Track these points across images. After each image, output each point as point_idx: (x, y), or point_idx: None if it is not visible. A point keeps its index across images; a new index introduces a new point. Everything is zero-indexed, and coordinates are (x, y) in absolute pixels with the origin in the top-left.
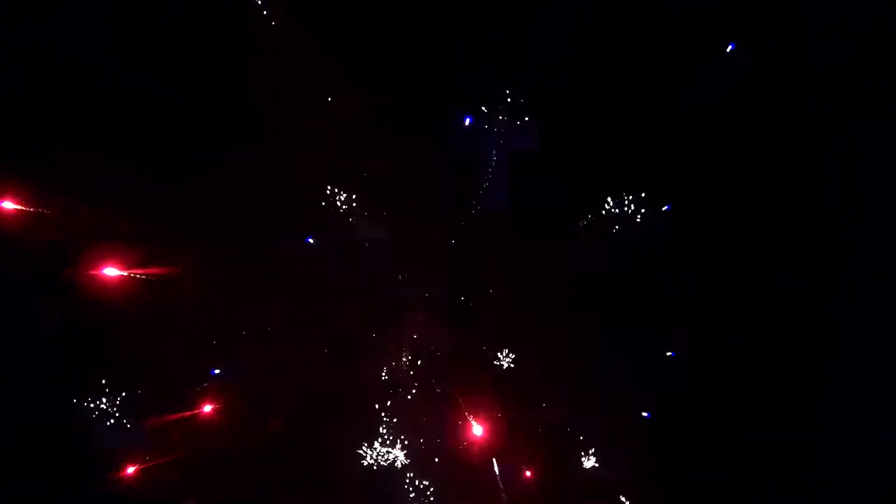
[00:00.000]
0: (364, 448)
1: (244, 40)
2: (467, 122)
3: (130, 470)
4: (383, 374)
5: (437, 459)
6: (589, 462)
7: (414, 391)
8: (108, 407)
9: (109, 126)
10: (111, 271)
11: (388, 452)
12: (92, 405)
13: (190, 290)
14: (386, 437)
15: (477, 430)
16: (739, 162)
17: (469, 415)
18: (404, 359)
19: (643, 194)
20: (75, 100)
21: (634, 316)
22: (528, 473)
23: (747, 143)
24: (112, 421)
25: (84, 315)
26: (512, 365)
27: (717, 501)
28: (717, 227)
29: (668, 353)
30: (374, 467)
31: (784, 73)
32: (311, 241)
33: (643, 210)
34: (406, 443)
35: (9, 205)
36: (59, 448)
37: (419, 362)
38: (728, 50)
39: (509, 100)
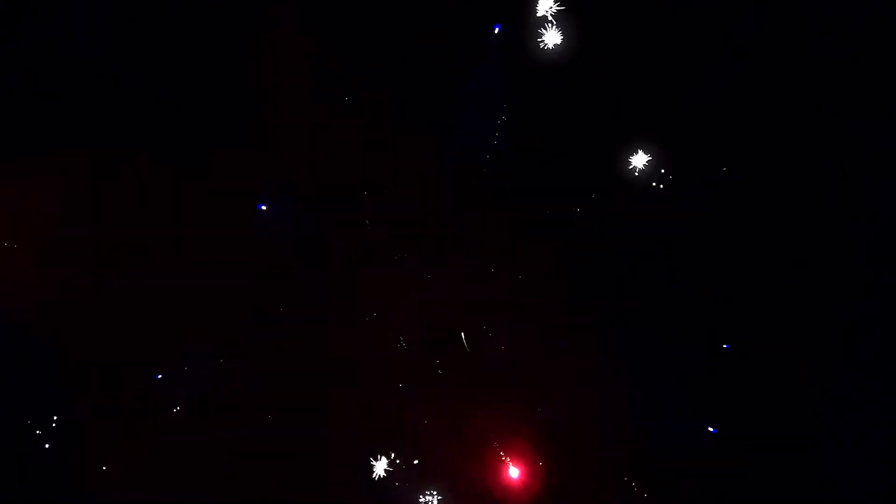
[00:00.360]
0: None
1: (244, 40)
2: (497, 30)
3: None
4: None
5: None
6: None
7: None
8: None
9: (109, 126)
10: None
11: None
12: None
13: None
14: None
15: (514, 472)
16: (738, 162)
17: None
18: (402, 343)
19: (641, 193)
20: (75, 100)
21: (633, 316)
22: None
23: (746, 143)
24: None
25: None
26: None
27: (716, 501)
28: (717, 227)
29: (724, 346)
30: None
31: (784, 73)
32: (262, 207)
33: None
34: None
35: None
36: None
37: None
38: None
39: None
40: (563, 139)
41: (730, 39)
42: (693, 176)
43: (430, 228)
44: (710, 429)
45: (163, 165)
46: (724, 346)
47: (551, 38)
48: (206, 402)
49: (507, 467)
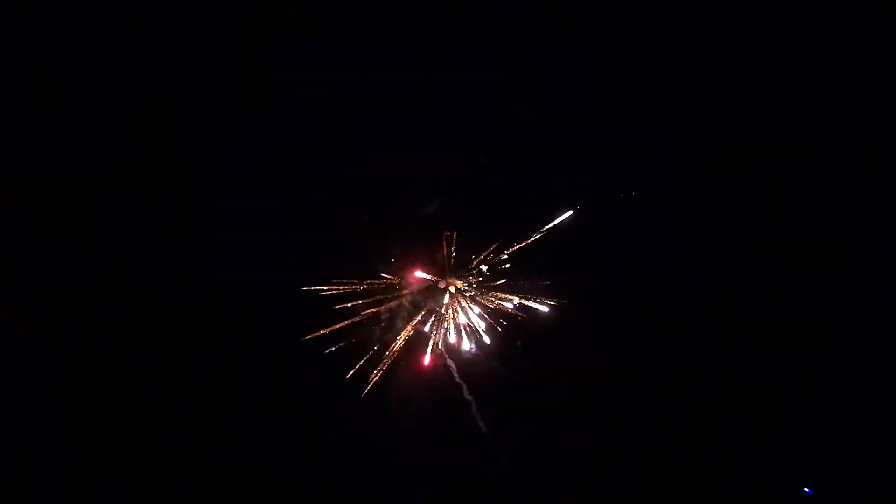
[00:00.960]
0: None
1: (244, 40)
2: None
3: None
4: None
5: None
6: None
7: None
8: None
9: (109, 126)
10: None
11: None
12: None
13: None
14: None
15: None
16: (740, 161)
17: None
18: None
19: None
20: (75, 100)
21: (634, 317)
22: None
23: (747, 143)
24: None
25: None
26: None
27: (717, 500)
28: (718, 227)
29: None
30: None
31: (784, 73)
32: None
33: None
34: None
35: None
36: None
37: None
38: None
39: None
40: (564, 140)
41: (730, 40)
42: (695, 176)
43: (429, 227)
44: (807, 489)
45: (162, 164)
46: (807, 490)
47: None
48: (206, 402)
49: None
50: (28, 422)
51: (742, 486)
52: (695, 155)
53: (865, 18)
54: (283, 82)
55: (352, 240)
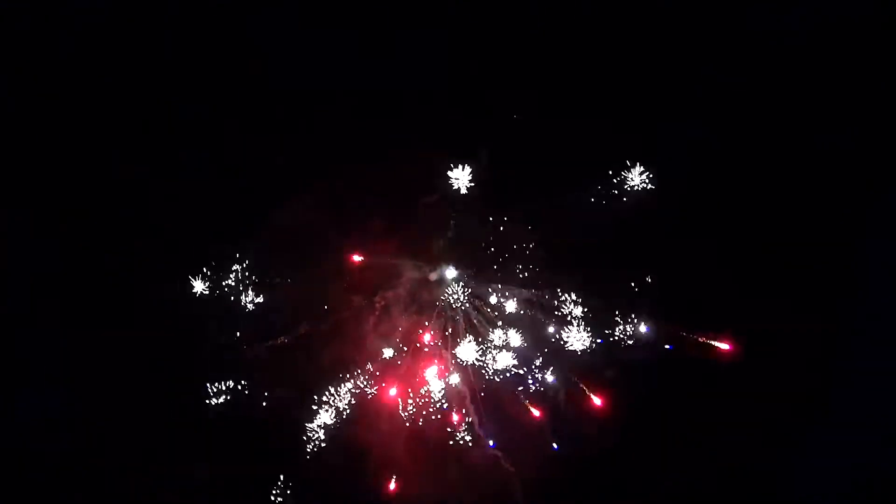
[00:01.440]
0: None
1: (244, 40)
2: None
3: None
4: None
5: None
6: None
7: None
8: None
9: (109, 126)
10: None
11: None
12: None
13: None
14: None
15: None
16: (740, 161)
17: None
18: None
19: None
20: (75, 100)
21: (638, 315)
22: None
23: (748, 143)
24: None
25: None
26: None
27: (718, 499)
28: (719, 227)
29: None
30: None
31: (784, 72)
32: None
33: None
34: None
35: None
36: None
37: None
38: None
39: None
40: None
41: (730, 40)
42: (694, 175)
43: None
44: None
45: (161, 164)
46: None
47: None
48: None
49: None
50: (28, 420)
51: (742, 485)
52: (694, 155)
53: (865, 18)
54: (282, 80)
55: (348, 232)
